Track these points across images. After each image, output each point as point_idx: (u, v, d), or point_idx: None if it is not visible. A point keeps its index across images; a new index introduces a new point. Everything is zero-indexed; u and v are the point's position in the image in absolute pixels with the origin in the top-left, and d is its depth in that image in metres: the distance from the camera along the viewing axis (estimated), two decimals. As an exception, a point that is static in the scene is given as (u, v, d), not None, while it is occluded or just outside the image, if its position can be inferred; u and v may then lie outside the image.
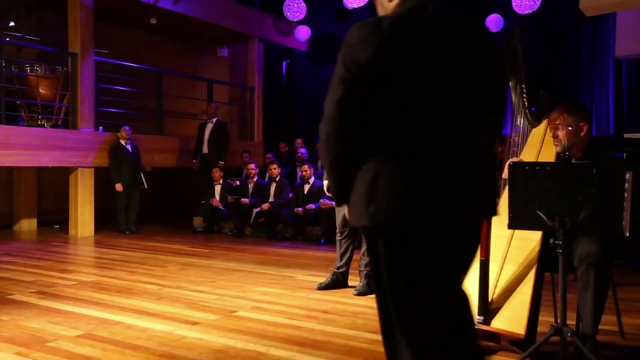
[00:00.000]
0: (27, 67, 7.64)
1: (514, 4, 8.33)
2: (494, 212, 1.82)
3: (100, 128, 8.17)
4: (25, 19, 8.53)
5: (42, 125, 7.63)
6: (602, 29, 8.81)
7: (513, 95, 3.18)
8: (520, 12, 8.38)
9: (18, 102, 7.66)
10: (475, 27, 1.78)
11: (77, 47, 7.73)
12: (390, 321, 1.67)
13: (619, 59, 8.13)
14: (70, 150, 7.59)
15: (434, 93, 1.64)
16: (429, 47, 1.63)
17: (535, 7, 8.25)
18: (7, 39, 7.80)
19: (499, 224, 3.00)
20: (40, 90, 7.62)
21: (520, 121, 3.28)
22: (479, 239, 1.85)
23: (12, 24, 8.44)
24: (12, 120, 7.49)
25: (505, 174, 3.13)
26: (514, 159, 3.15)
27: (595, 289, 2.62)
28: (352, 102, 1.63)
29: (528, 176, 2.44)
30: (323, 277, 4.64)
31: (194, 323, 3.43)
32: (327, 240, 7.14)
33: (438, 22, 1.69)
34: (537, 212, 2.41)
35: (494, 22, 8.99)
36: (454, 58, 1.65)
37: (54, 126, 7.74)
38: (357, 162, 1.66)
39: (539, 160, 3.17)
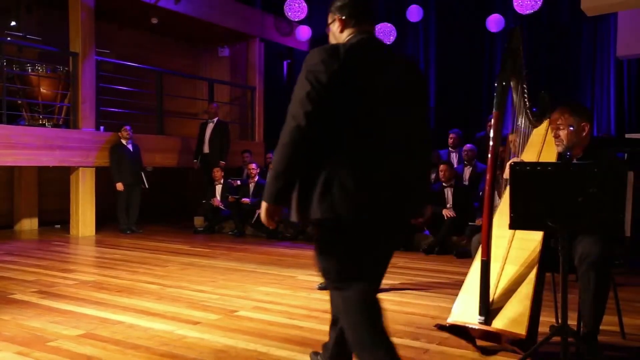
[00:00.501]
0: (29, 66, 7.64)
1: (514, 4, 8.32)
2: (422, 213, 2.31)
3: (102, 128, 8.18)
4: (26, 18, 8.53)
5: (43, 125, 7.64)
6: (602, 29, 8.81)
7: (514, 96, 3.18)
8: (521, 12, 8.37)
9: (19, 102, 7.67)
10: (403, 56, 2.31)
11: (78, 47, 7.74)
12: (336, 267, 2.14)
13: (620, 59, 8.13)
14: (71, 150, 7.60)
15: (378, 109, 2.07)
16: (374, 71, 2.07)
17: (537, 7, 8.23)
18: (9, 38, 7.80)
19: (500, 224, 3.00)
20: (41, 89, 7.62)
21: (522, 121, 3.28)
22: (402, 236, 2.30)
23: (13, 23, 8.44)
24: (13, 119, 7.50)
25: (506, 173, 3.14)
26: (515, 159, 3.15)
27: (595, 290, 2.62)
28: (318, 115, 1.96)
29: (529, 176, 2.44)
30: (324, 277, 4.63)
31: (195, 323, 3.43)
32: (327, 240, 7.14)
33: (379, 52, 2.15)
34: (539, 212, 2.41)
35: (494, 22, 8.99)
36: (391, 80, 2.11)
37: (55, 126, 7.75)
38: (312, 165, 2.01)
39: (540, 160, 3.17)
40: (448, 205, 6.43)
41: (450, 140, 8.11)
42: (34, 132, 7.32)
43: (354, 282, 2.10)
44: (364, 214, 2.04)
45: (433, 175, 7.59)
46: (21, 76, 7.59)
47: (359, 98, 2.03)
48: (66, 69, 7.81)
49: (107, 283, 4.61)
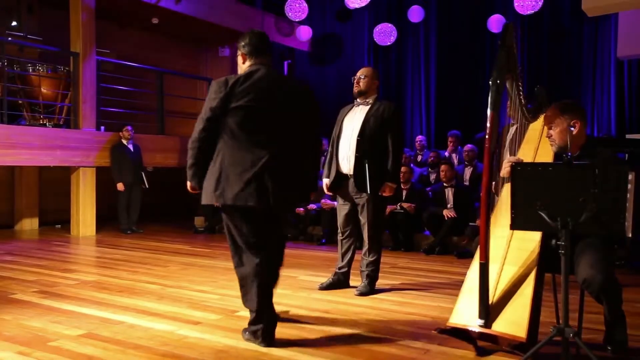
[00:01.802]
0: (29, 66, 7.65)
1: (515, 4, 8.32)
2: (298, 200, 3.58)
3: (102, 127, 8.18)
4: (28, 18, 8.53)
5: (44, 125, 7.65)
6: (603, 30, 8.82)
7: (510, 92, 3.15)
8: (522, 13, 8.37)
9: (20, 102, 7.67)
10: (291, 78, 3.37)
11: (79, 47, 7.75)
12: (235, 242, 3.03)
13: (621, 60, 8.12)
14: (72, 150, 7.60)
15: (262, 118, 2.92)
16: (261, 91, 2.92)
17: (537, 8, 8.24)
18: (10, 38, 7.80)
19: (499, 224, 3.00)
20: (42, 89, 7.62)
21: (517, 118, 3.26)
22: (284, 215, 3.29)
23: (14, 23, 8.44)
24: (14, 119, 7.51)
25: (503, 172, 3.13)
26: (512, 158, 3.14)
27: (609, 305, 2.62)
28: (210, 128, 2.93)
29: (530, 176, 2.44)
30: (324, 277, 4.64)
31: (196, 323, 3.44)
32: (328, 240, 7.14)
33: (269, 77, 2.99)
34: (539, 212, 2.41)
35: (496, 22, 8.99)
36: (277, 96, 2.98)
37: (56, 126, 7.76)
38: (208, 161, 2.97)
39: (536, 157, 3.16)
40: (449, 206, 6.43)
41: (450, 145, 8.11)
42: (35, 132, 7.32)
43: (252, 249, 2.97)
44: (239, 201, 2.86)
45: (434, 176, 7.61)
46: (22, 76, 7.60)
47: (241, 111, 2.88)
48: (67, 68, 7.82)
49: (107, 283, 4.61)
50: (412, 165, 7.86)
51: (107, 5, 8.37)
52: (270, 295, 3.05)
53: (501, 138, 3.52)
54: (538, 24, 9.21)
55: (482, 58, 10.04)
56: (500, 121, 2.93)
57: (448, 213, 6.33)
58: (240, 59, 3.10)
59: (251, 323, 3.04)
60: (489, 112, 2.75)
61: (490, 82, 2.76)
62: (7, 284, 4.54)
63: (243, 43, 3.06)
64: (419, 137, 9.09)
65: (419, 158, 8.74)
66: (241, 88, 2.89)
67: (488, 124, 2.74)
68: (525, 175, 2.45)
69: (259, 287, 2.95)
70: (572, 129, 2.76)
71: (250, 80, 2.92)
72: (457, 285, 4.56)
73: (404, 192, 6.80)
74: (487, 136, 2.74)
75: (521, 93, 3.01)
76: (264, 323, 2.99)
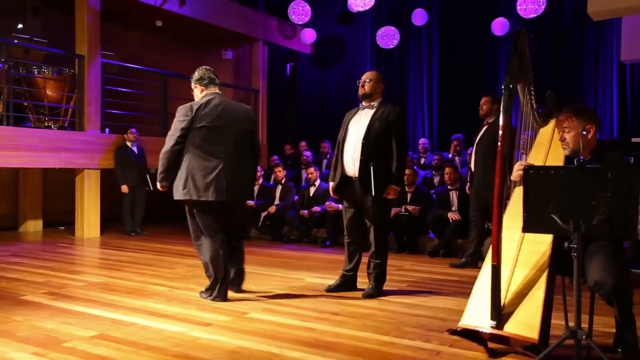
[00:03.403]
0: (35, 68, 7.67)
1: (518, 8, 8.37)
2: (245, 196, 4.35)
3: (107, 130, 8.20)
4: (33, 20, 8.56)
5: (49, 127, 7.66)
6: (606, 33, 8.86)
7: (521, 98, 3.19)
8: (524, 16, 8.41)
9: (25, 104, 7.69)
10: (236, 103, 4.24)
11: (84, 49, 7.77)
12: (198, 228, 4.06)
13: (624, 63, 8.16)
14: (76, 152, 7.63)
15: (215, 134, 3.93)
16: (214, 113, 3.96)
17: (540, 11, 8.28)
18: (16, 40, 7.82)
19: (510, 226, 3.02)
20: (47, 92, 7.64)
21: (529, 123, 3.29)
22: (236, 210, 4.23)
23: (20, 26, 8.47)
24: (19, 122, 7.53)
25: (513, 176, 3.16)
26: (522, 162, 3.17)
27: (620, 308, 2.65)
28: (179, 142, 3.92)
29: (543, 180, 2.47)
30: (330, 279, 4.66)
31: (207, 324, 3.46)
32: (332, 242, 7.17)
33: (220, 103, 4.03)
34: (552, 215, 2.43)
35: (499, 26, 9.04)
36: (226, 117, 4.00)
37: (61, 128, 7.77)
38: (177, 165, 3.95)
39: (547, 162, 3.19)
40: (453, 209, 6.46)
41: (453, 148, 8.14)
42: (40, 134, 7.35)
43: (214, 233, 3.99)
44: (202, 197, 3.88)
45: (437, 179, 7.63)
46: (27, 78, 7.62)
47: (203, 129, 3.90)
48: (72, 71, 7.84)
49: (116, 285, 4.63)
50: (415, 167, 7.89)
51: (111, 8, 8.39)
52: (224, 263, 4.05)
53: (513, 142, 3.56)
54: (540, 27, 9.25)
55: (485, 61, 10.08)
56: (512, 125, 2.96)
57: (453, 216, 6.36)
58: (197, 90, 4.11)
59: (211, 287, 4.06)
60: (501, 116, 2.78)
61: (502, 87, 2.79)
62: (16, 285, 4.56)
63: (199, 77, 4.10)
64: (422, 140, 9.13)
65: (422, 161, 8.77)
66: (203, 112, 3.93)
67: (501, 129, 2.77)
68: (538, 179, 2.48)
69: (222, 256, 3.99)
70: (586, 133, 2.79)
71: (209, 106, 3.97)
72: (464, 288, 4.60)
73: (409, 195, 6.82)
74: (499, 140, 2.77)
75: (533, 98, 3.05)
76: (224, 284, 4.05)
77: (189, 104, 3.93)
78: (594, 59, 9.05)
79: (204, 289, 4.15)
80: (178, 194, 3.93)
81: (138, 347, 3.02)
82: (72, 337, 3.18)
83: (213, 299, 4.02)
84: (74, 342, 3.08)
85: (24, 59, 7.78)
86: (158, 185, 4.05)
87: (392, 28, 9.85)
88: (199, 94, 4.09)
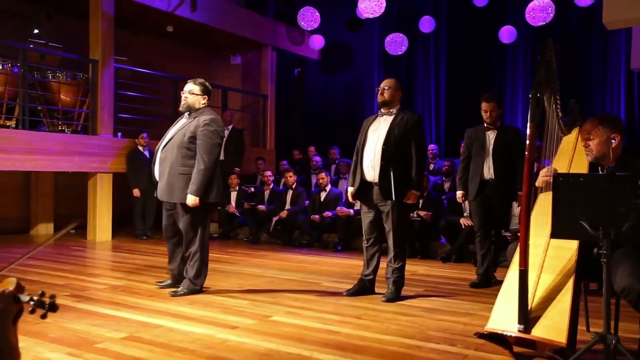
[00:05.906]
0: (49, 73, 7.74)
1: (527, 16, 8.45)
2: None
3: (119, 134, 8.27)
4: (48, 26, 8.63)
5: (62, 131, 7.73)
6: (613, 41, 8.94)
7: (547, 106, 3.26)
8: (533, 24, 8.50)
9: (39, 108, 7.76)
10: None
11: (98, 55, 7.85)
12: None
13: (632, 71, 8.24)
14: (89, 156, 7.69)
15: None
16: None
17: (549, 19, 8.36)
18: (31, 46, 7.89)
19: (535, 233, 3.08)
20: (61, 96, 7.71)
21: (554, 130, 3.36)
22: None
23: (36, 31, 8.54)
24: (33, 125, 7.59)
25: (538, 182, 3.23)
26: (548, 168, 3.24)
27: None
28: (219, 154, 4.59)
29: (572, 187, 2.53)
30: (347, 284, 4.72)
31: (233, 327, 3.51)
32: (343, 247, 7.22)
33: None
34: (581, 222, 2.49)
35: (507, 33, 9.12)
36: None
37: (74, 132, 7.84)
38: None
39: (571, 169, 3.26)
40: (465, 214, 6.52)
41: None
42: (55, 137, 7.41)
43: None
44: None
45: (448, 184, 7.68)
46: (42, 83, 7.69)
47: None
48: (85, 75, 7.91)
49: (136, 288, 4.69)
50: (425, 173, 7.95)
51: (124, 13, 8.46)
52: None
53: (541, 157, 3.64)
54: (549, 35, 9.31)
55: (492, 69, 10.16)
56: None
57: (465, 221, 6.42)
58: (201, 99, 4.53)
59: (196, 284, 4.50)
60: (528, 124, 2.85)
61: (530, 96, 2.87)
62: (39, 287, 4.61)
63: (208, 91, 4.62)
64: (431, 146, 9.19)
65: (431, 167, 8.83)
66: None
67: (527, 137, 2.84)
68: (567, 185, 2.54)
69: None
70: (613, 141, 2.86)
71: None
72: (482, 292, 4.67)
73: (421, 201, 6.88)
74: (527, 147, 2.84)
75: (559, 107, 3.11)
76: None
77: (221, 124, 4.57)
78: (601, 67, 9.13)
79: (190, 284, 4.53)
80: (212, 197, 4.52)
81: (169, 348, 3.07)
82: (103, 338, 3.23)
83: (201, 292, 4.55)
84: (106, 344, 3.13)
85: (39, 64, 7.85)
86: (192, 200, 4.37)
87: (401, 35, 9.93)
88: (201, 102, 4.54)
